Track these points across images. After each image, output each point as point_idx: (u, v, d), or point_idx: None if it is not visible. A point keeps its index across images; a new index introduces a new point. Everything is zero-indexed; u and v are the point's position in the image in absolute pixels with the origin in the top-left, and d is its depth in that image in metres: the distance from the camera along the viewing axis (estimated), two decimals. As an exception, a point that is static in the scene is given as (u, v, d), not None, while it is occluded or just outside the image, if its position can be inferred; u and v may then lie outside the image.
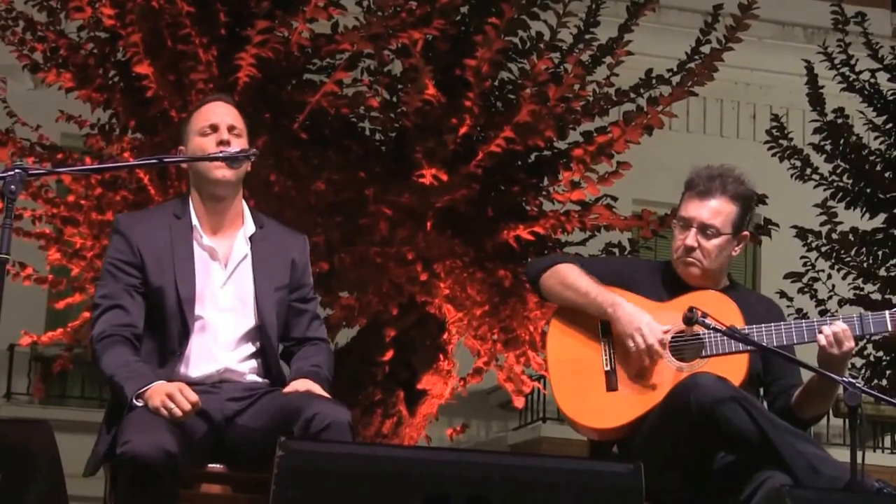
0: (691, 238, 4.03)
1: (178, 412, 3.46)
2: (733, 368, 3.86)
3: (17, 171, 3.32)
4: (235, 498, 3.71)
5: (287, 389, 3.65)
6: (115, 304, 3.72)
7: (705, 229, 4.02)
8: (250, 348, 3.78)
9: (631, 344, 3.89)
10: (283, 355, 3.92)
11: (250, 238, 3.85)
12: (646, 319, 3.90)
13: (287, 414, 3.53)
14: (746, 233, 4.10)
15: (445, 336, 8.09)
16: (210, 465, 3.68)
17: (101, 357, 3.65)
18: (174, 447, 3.35)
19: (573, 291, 4.01)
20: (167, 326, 3.71)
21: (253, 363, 3.79)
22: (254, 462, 3.63)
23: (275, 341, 3.80)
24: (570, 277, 4.03)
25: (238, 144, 3.80)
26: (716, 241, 4.03)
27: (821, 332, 3.83)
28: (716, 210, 4.04)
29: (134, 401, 3.51)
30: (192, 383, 3.68)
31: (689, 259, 4.04)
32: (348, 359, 8.22)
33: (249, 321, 3.77)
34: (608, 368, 3.96)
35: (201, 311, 3.73)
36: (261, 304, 3.77)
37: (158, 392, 3.49)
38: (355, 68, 7.53)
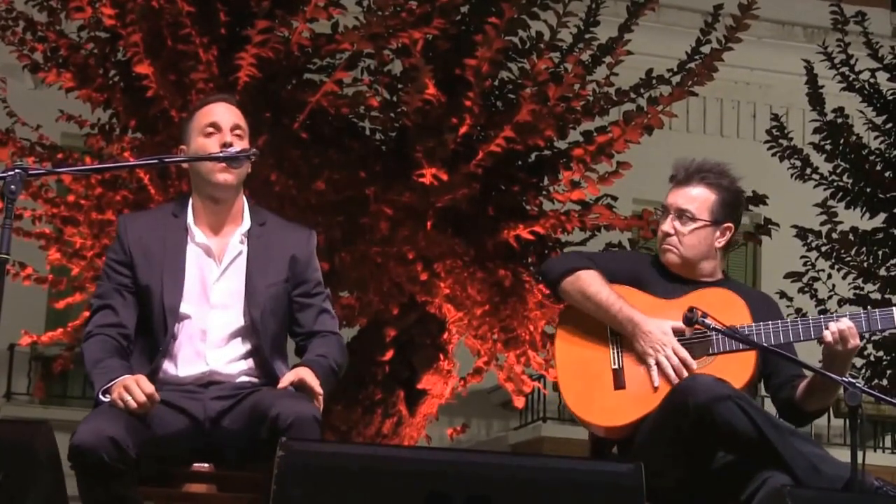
0: (667, 224, 4.06)
1: (132, 403, 3.45)
2: (741, 366, 3.87)
3: (17, 171, 3.32)
4: (221, 497, 3.71)
5: (281, 383, 3.64)
6: (105, 305, 3.75)
7: (681, 214, 4.06)
8: (242, 348, 3.76)
9: (653, 363, 3.90)
10: (297, 351, 3.89)
11: (247, 235, 3.84)
12: (670, 341, 3.89)
13: (258, 414, 3.53)
14: (730, 224, 4.09)
15: (446, 336, 8.09)
16: (196, 465, 3.68)
17: (84, 355, 3.70)
18: (121, 435, 3.35)
19: (592, 303, 4.00)
20: (154, 324, 3.72)
21: (244, 364, 3.76)
22: (240, 461, 3.64)
23: (267, 338, 3.76)
24: (591, 288, 4.02)
25: (240, 145, 3.80)
26: (690, 227, 4.04)
27: (827, 328, 3.83)
28: (691, 197, 4.07)
29: (100, 396, 3.54)
30: (180, 383, 3.69)
31: (665, 245, 4.07)
32: (349, 358, 8.22)
33: (241, 318, 3.76)
34: (616, 366, 3.97)
35: (190, 309, 3.73)
36: (250, 300, 3.75)
37: (118, 386, 3.51)
38: (355, 68, 7.53)
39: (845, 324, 3.82)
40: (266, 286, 3.78)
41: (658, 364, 3.90)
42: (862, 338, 3.87)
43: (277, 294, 3.80)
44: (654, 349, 3.90)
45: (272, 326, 3.79)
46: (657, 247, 4.13)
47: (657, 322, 3.94)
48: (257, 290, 3.77)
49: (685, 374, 3.87)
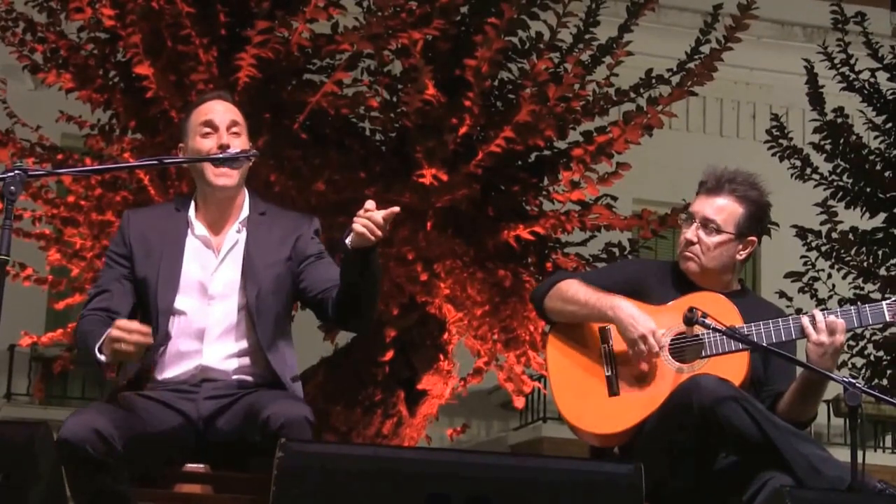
0: (691, 232, 4.04)
1: (128, 347, 3.44)
2: (734, 368, 3.86)
3: (17, 172, 3.31)
4: (217, 498, 3.69)
5: (361, 219, 3.50)
6: (102, 290, 3.75)
7: (706, 224, 4.03)
8: (238, 344, 3.74)
9: (632, 347, 3.89)
10: (320, 314, 3.80)
11: (245, 223, 3.83)
12: (650, 325, 3.88)
13: (251, 415, 3.52)
14: (753, 238, 4.07)
15: (446, 336, 8.09)
16: (190, 465, 3.66)
17: (76, 334, 3.71)
18: (107, 429, 3.35)
19: (574, 304, 4.00)
20: (150, 315, 3.71)
21: (238, 362, 3.74)
22: (234, 462, 3.63)
23: (267, 321, 3.73)
24: (569, 292, 4.02)
25: (238, 143, 3.79)
26: (715, 238, 4.02)
27: (812, 316, 3.82)
28: (720, 207, 4.04)
29: (98, 356, 3.52)
30: (174, 382, 3.69)
31: (687, 253, 4.05)
32: (349, 359, 8.22)
33: (237, 307, 3.74)
34: (609, 374, 3.96)
35: (187, 304, 3.71)
36: (246, 281, 3.73)
37: (108, 341, 3.49)
38: (355, 68, 7.53)
39: (828, 320, 3.81)
40: (265, 266, 3.76)
41: (635, 349, 3.87)
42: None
43: (279, 274, 3.78)
44: (637, 331, 3.87)
45: (273, 306, 3.75)
46: (677, 253, 4.10)
47: (635, 307, 3.91)
48: (255, 269, 3.75)
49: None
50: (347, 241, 3.59)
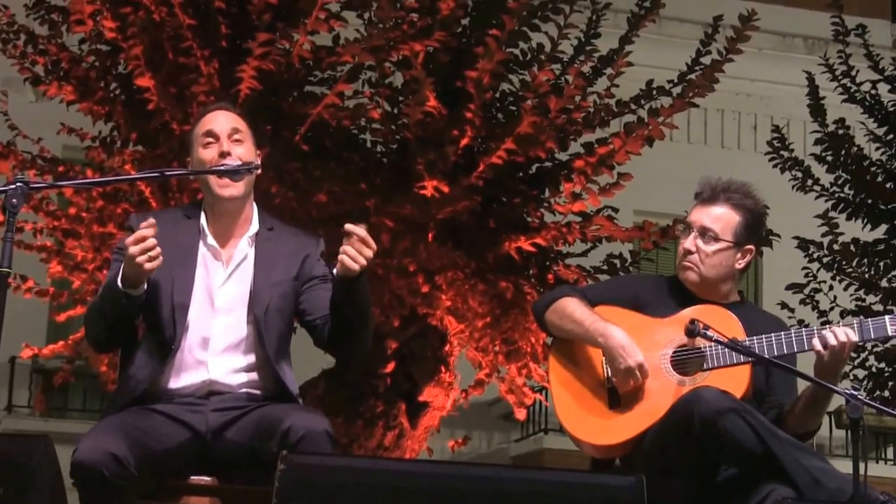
0: (689, 241, 4.05)
1: (146, 254, 3.47)
2: (735, 381, 3.86)
3: (18, 184, 3.32)
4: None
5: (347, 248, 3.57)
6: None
7: (704, 233, 4.04)
8: (245, 359, 3.74)
9: (616, 376, 3.90)
10: (317, 340, 3.81)
11: (255, 238, 3.84)
12: (638, 357, 3.88)
13: (266, 427, 3.52)
14: (751, 246, 4.08)
15: (447, 348, 8.08)
16: (195, 478, 3.65)
17: (87, 310, 3.74)
18: (122, 451, 3.35)
19: (571, 323, 4.02)
20: (161, 322, 3.70)
21: (246, 376, 3.74)
22: (244, 474, 3.62)
23: (272, 338, 3.73)
24: (568, 309, 4.04)
25: (241, 150, 3.80)
26: (713, 247, 4.03)
27: (821, 337, 3.82)
28: (717, 216, 4.05)
29: (121, 286, 3.55)
30: (180, 395, 3.68)
31: (686, 262, 4.06)
32: (349, 371, 8.21)
33: (244, 322, 3.74)
34: (610, 386, 3.96)
35: (194, 313, 3.72)
36: (254, 298, 3.74)
37: (124, 268, 3.54)
38: (356, 80, 7.53)
39: (841, 336, 3.81)
40: (272, 284, 3.77)
41: (620, 379, 3.88)
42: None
43: (285, 293, 3.79)
44: (625, 363, 3.88)
45: (278, 325, 3.77)
46: (676, 263, 4.11)
47: (626, 337, 3.91)
48: (262, 288, 3.75)
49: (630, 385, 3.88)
50: (335, 271, 3.61)
